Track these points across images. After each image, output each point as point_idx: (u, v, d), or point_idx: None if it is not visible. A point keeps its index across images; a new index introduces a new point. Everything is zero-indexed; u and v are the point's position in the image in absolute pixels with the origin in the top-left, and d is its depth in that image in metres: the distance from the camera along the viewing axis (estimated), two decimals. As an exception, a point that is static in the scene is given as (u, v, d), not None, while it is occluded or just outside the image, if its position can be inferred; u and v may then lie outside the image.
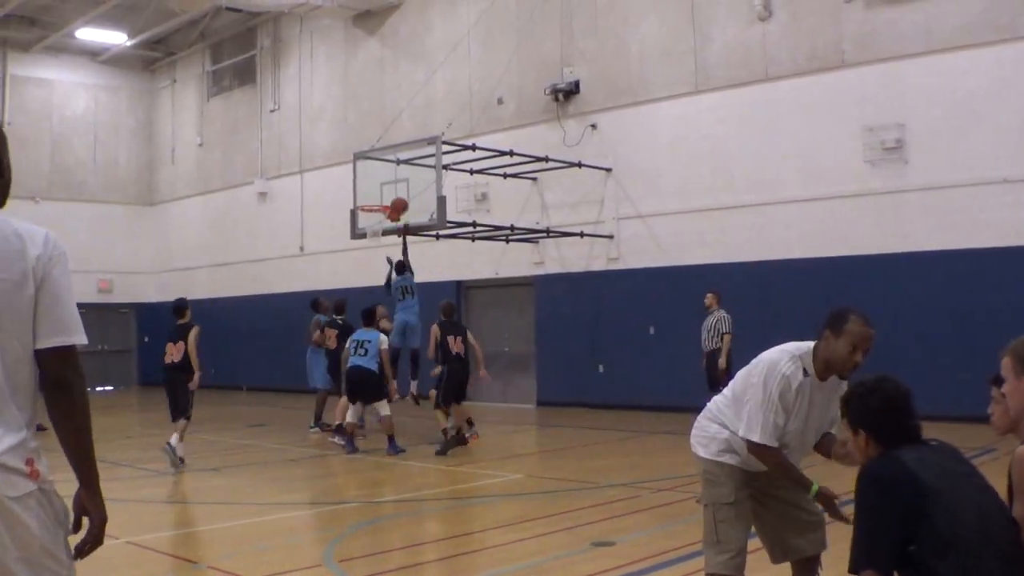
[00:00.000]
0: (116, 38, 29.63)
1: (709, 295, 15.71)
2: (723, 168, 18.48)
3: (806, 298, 16.11)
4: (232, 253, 28.42)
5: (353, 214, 19.10)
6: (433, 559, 8.24)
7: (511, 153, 19.32)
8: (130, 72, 32.59)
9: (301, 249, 27.10)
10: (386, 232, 18.86)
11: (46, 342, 2.98)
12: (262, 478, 12.67)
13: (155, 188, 32.62)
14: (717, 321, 15.40)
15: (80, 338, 3.03)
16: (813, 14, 17.38)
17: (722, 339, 15.24)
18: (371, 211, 18.86)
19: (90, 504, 3.08)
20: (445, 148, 17.92)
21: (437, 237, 19.99)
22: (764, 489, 5.10)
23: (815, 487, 4.82)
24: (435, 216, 17.66)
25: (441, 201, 17.51)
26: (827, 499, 4.81)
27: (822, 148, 17.23)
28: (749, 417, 4.83)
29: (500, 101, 22.02)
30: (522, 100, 21.72)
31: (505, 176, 20.49)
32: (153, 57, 32.19)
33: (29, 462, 2.92)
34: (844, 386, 4.74)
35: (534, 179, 21.06)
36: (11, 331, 2.96)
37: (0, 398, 2.91)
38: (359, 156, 19.35)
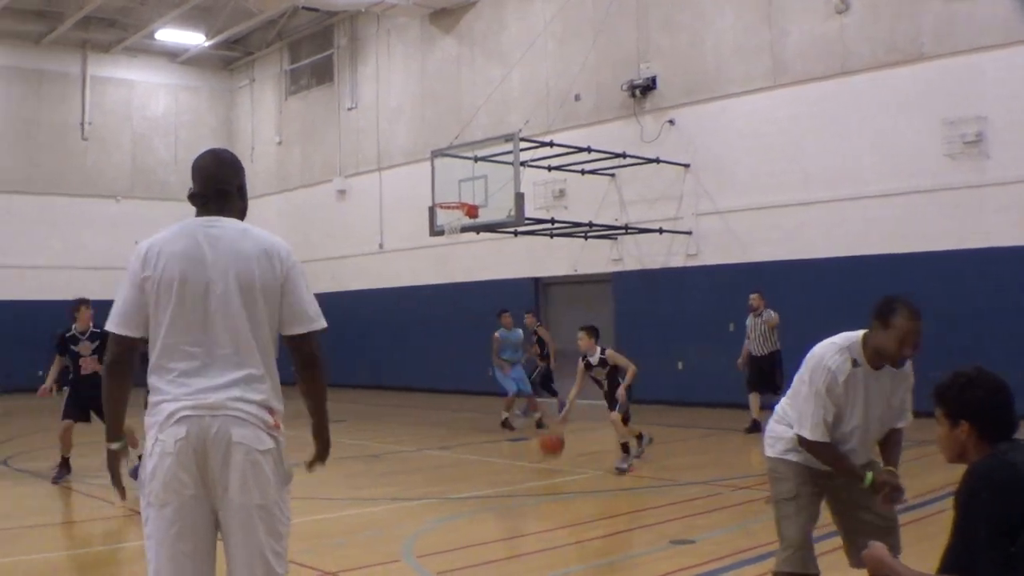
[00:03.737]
0: (195, 39, 31.35)
1: (755, 295, 16.22)
2: (801, 163, 19.18)
3: (884, 295, 16.66)
4: (311, 251, 29.65)
5: (431, 211, 20.10)
6: (512, 555, 8.53)
7: (588, 150, 20.27)
8: (209, 72, 34.36)
9: (380, 247, 28.34)
10: (465, 229, 19.87)
11: (296, 329, 4.12)
12: (341, 473, 12.91)
13: (236, 187, 34.04)
14: (764, 322, 16.03)
15: (320, 323, 4.15)
16: (891, 6, 18.01)
17: (774, 340, 15.97)
18: (449, 208, 19.83)
19: (320, 437, 4.42)
20: (522, 145, 18.84)
21: (515, 234, 21.15)
22: (834, 492, 5.29)
23: (869, 477, 5.01)
24: (513, 213, 18.59)
25: (519, 198, 18.46)
26: (883, 485, 5.00)
27: (901, 142, 17.81)
28: (800, 413, 5.07)
29: (577, 97, 22.95)
30: (599, 96, 22.66)
31: (583, 172, 21.32)
32: (232, 57, 33.92)
33: (274, 421, 4.04)
34: (908, 375, 5.04)
35: (612, 175, 21.95)
36: (267, 317, 4.07)
37: (255, 364, 4.04)
38: (437, 154, 20.37)
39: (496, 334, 18.49)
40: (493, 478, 12.25)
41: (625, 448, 12.44)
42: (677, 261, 21.17)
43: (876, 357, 4.93)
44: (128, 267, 4.10)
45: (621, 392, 12.51)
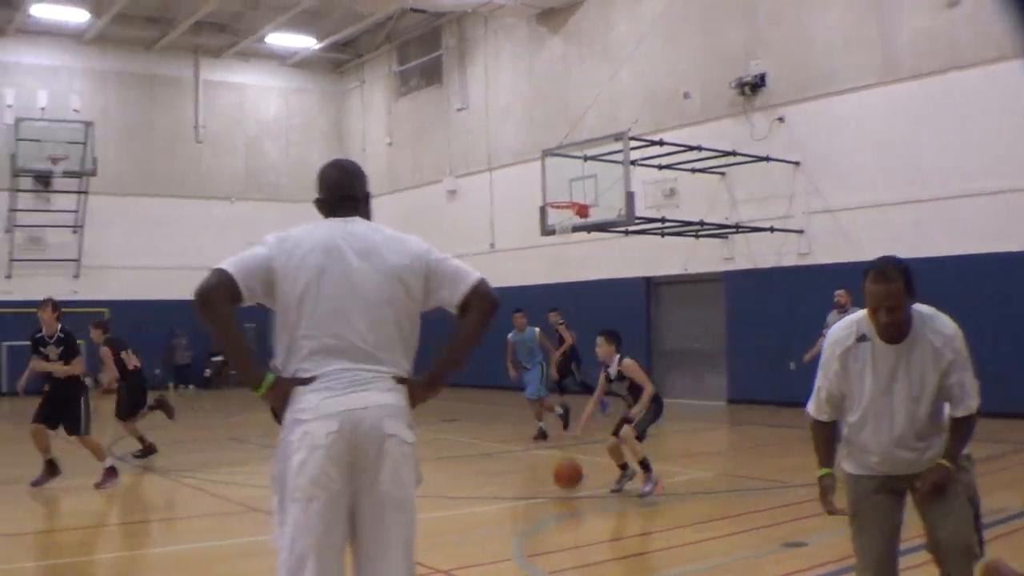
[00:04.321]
0: (305, 42, 32.89)
1: (841, 292, 15.67)
2: (913, 160, 19.38)
3: (1000, 294, 16.98)
4: None
5: (542, 211, 20.75)
6: (621, 556, 8.60)
7: (698, 148, 20.83)
8: (319, 75, 35.86)
9: (491, 246, 29.23)
10: (576, 229, 20.57)
11: (463, 288, 4.22)
12: (455, 472, 13.36)
13: (347, 187, 35.26)
14: None
15: (478, 273, 4.28)
16: (1001, 0, 18.15)
17: None
18: (560, 208, 20.50)
19: (444, 372, 4.35)
20: (632, 144, 19.45)
21: (626, 233, 21.81)
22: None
23: (821, 471, 4.94)
24: (623, 212, 19.23)
25: (629, 197, 19.10)
26: (822, 489, 4.95)
27: (1015, 139, 17.94)
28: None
29: (686, 95, 23.52)
30: (707, 94, 23.19)
31: (693, 171, 21.82)
32: (341, 59, 35.33)
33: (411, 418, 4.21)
34: (945, 350, 4.65)
35: (722, 174, 22.45)
36: (408, 310, 4.24)
37: (396, 357, 4.22)
38: (547, 153, 21.04)
39: (509, 337, 17.81)
40: (604, 478, 12.05)
41: (645, 466, 11.12)
42: (789, 260, 21.54)
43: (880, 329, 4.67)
44: (262, 241, 4.22)
45: (635, 412, 11.25)
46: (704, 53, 23.05)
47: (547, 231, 20.91)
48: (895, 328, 4.59)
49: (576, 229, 20.73)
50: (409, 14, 31.24)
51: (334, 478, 4.00)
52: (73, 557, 8.95)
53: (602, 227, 20.98)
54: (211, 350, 31.23)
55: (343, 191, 4.44)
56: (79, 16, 30.22)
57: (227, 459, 15.19)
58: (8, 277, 30.55)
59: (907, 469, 4.83)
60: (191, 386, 32.11)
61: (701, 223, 21.25)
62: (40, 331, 12.59)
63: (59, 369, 12.38)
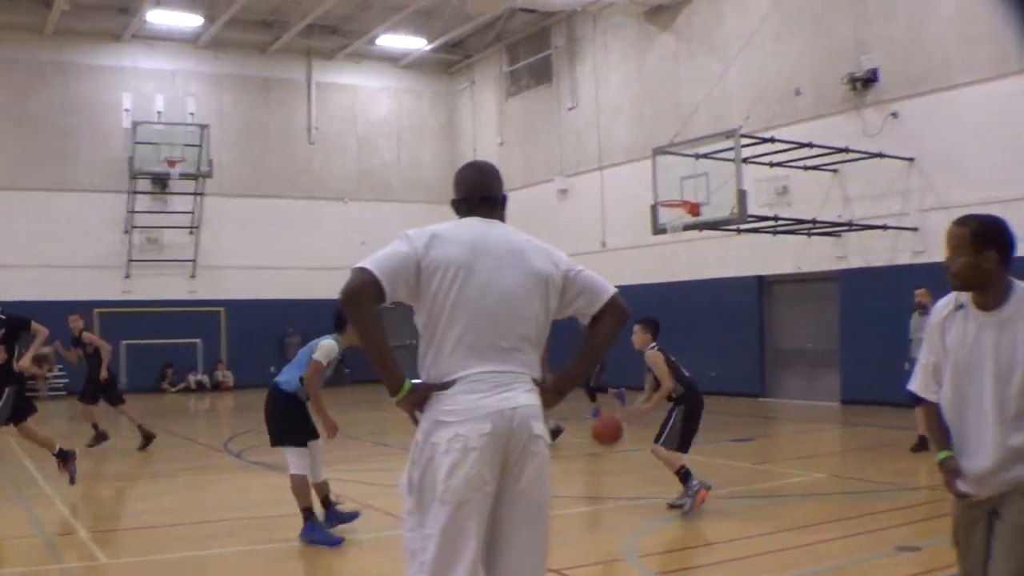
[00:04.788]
0: (415, 43, 33.95)
1: (921, 290, 15.29)
2: (1031, 155, 19.20)
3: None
4: None
5: (653, 210, 21.21)
6: (733, 558, 8.60)
7: (810, 145, 20.89)
8: (430, 75, 36.87)
9: (602, 245, 29.69)
10: (687, 227, 20.94)
11: (602, 299, 4.48)
12: (566, 471, 13.53)
13: (458, 188, 35.98)
14: None
15: (612, 287, 4.54)
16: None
17: None
18: (671, 207, 20.89)
19: (576, 376, 4.68)
20: (743, 141, 19.74)
21: (738, 232, 22.08)
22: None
23: (941, 455, 4.70)
24: (735, 210, 19.53)
25: (741, 195, 19.39)
26: (947, 473, 4.65)
27: None
28: None
29: (797, 92, 23.70)
30: (819, 90, 23.32)
31: (805, 168, 21.90)
32: (452, 60, 36.28)
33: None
34: None
35: (834, 171, 22.56)
36: (545, 313, 4.43)
37: (533, 358, 4.40)
38: (657, 152, 21.44)
39: None
40: (715, 478, 11.96)
41: (682, 477, 10.47)
42: (904, 258, 21.50)
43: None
44: (402, 237, 4.33)
45: (642, 407, 10.97)
46: (814, 48, 23.18)
47: (658, 230, 21.32)
48: (956, 278, 4.52)
49: (687, 228, 21.01)
50: (518, 14, 32.03)
51: (487, 480, 4.12)
52: (190, 551, 9.39)
53: (713, 226, 21.19)
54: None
55: (483, 192, 4.59)
56: (193, 21, 31.65)
57: (340, 456, 15.65)
58: (127, 277, 32.04)
59: (996, 489, 4.49)
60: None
61: (813, 221, 21.40)
62: None
63: None
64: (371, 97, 36.22)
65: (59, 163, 31.64)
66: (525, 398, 4.25)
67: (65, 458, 11.88)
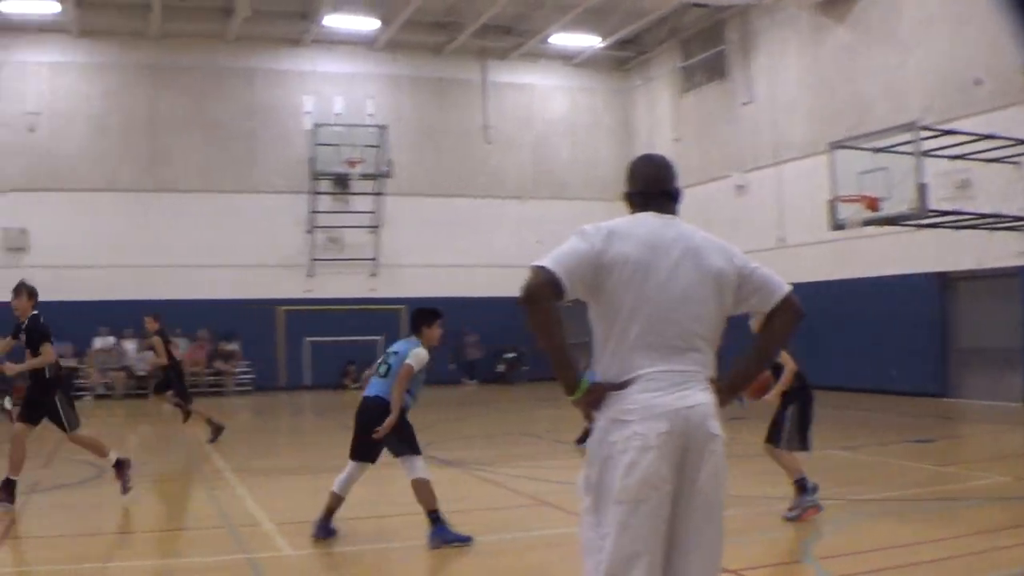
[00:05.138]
0: (589, 41, 34.65)
1: None
2: None
3: None
4: None
5: (831, 205, 21.23)
6: (913, 562, 8.45)
7: (992, 136, 20.73)
8: (604, 73, 37.52)
9: (780, 241, 29.77)
10: (866, 223, 21.00)
11: (777, 296, 4.50)
12: (744, 471, 13.22)
13: (634, 185, 36.16)
14: None
15: (787, 285, 4.55)
16: None
17: None
18: (849, 201, 20.94)
19: (750, 376, 4.73)
20: (923, 134, 19.67)
21: (918, 227, 21.84)
22: None
23: None
24: (915, 205, 19.47)
25: (921, 189, 19.34)
26: None
27: None
28: None
29: (977, 82, 23.34)
30: (1000, 79, 22.85)
31: (987, 161, 21.61)
32: (625, 57, 36.85)
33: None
34: None
35: (1017, 163, 22.10)
36: (721, 311, 4.47)
37: (709, 356, 4.44)
38: (835, 146, 21.50)
39: None
40: (896, 480, 12.26)
41: (799, 486, 10.32)
42: (1092, 253, 20.99)
43: None
44: (580, 233, 4.37)
45: (767, 399, 10.33)
46: (996, 36, 22.38)
47: (836, 225, 21.31)
48: None
49: (866, 223, 21.00)
50: (691, 9, 32.39)
51: (666, 479, 4.14)
52: (372, 544, 9.93)
53: (893, 221, 21.05)
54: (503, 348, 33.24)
55: (660, 186, 4.64)
56: (370, 24, 32.94)
57: (518, 453, 16.39)
58: (309, 276, 33.58)
59: None
60: (474, 381, 34.21)
61: (996, 215, 21.18)
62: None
63: (21, 366, 11.94)
64: (546, 96, 37.05)
65: (244, 166, 33.48)
66: (701, 397, 4.28)
67: (119, 466, 11.84)
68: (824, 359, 26.82)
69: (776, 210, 30.07)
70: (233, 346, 32.17)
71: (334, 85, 34.57)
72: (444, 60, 35.56)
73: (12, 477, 11.23)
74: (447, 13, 33.39)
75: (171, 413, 19.19)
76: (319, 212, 33.54)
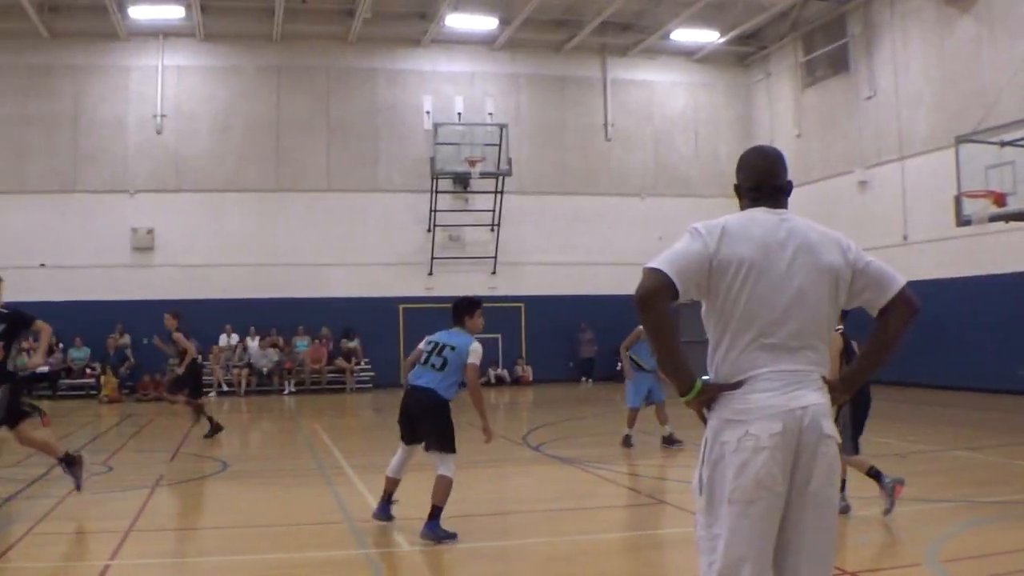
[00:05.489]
0: (709, 36, 34.48)
1: None
2: None
3: None
4: None
5: (957, 200, 21.05)
6: None
7: None
8: (724, 68, 37.31)
9: (904, 238, 29.35)
10: (993, 219, 20.64)
11: (893, 288, 4.42)
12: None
13: (756, 182, 35.77)
14: None
15: (901, 279, 4.47)
16: None
17: None
18: (976, 197, 20.69)
19: (863, 377, 4.69)
20: None
21: None
22: None
23: None
24: None
25: None
26: None
27: None
28: None
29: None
30: None
31: None
32: (745, 52, 36.64)
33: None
34: None
35: None
36: (835, 309, 4.45)
37: (823, 355, 4.38)
38: (961, 140, 21.32)
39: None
40: (1022, 482, 12.06)
41: (873, 477, 10.31)
42: None
43: None
44: (693, 232, 4.34)
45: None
46: None
47: (962, 221, 21.12)
48: None
49: (993, 219, 20.73)
50: (813, 3, 32.13)
51: (778, 479, 4.12)
52: (491, 541, 9.93)
53: (1021, 216, 20.78)
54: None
55: (773, 180, 4.60)
56: (489, 24, 33.27)
57: (636, 452, 16.26)
58: (430, 274, 33.93)
59: None
60: (590, 380, 34.18)
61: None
62: None
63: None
64: (666, 92, 36.92)
65: (366, 165, 34.05)
66: (815, 397, 4.24)
67: (71, 463, 11.44)
68: (949, 358, 26.59)
69: (900, 206, 29.62)
70: (354, 344, 32.62)
71: (454, 84, 34.95)
72: (563, 58, 35.72)
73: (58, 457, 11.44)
74: (566, 11, 33.56)
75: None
76: (439, 211, 33.83)
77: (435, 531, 9.49)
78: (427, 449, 9.89)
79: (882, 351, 4.54)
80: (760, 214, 4.46)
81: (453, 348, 9.87)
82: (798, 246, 4.33)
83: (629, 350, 16.60)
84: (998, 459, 14.44)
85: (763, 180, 4.59)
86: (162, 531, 10.43)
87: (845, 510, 9.98)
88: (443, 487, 9.60)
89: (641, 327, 15.33)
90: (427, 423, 9.84)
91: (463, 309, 10.18)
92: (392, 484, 10.24)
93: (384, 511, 10.19)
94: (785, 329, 4.25)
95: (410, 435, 10.07)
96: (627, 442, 16.57)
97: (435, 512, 9.56)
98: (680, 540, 9.37)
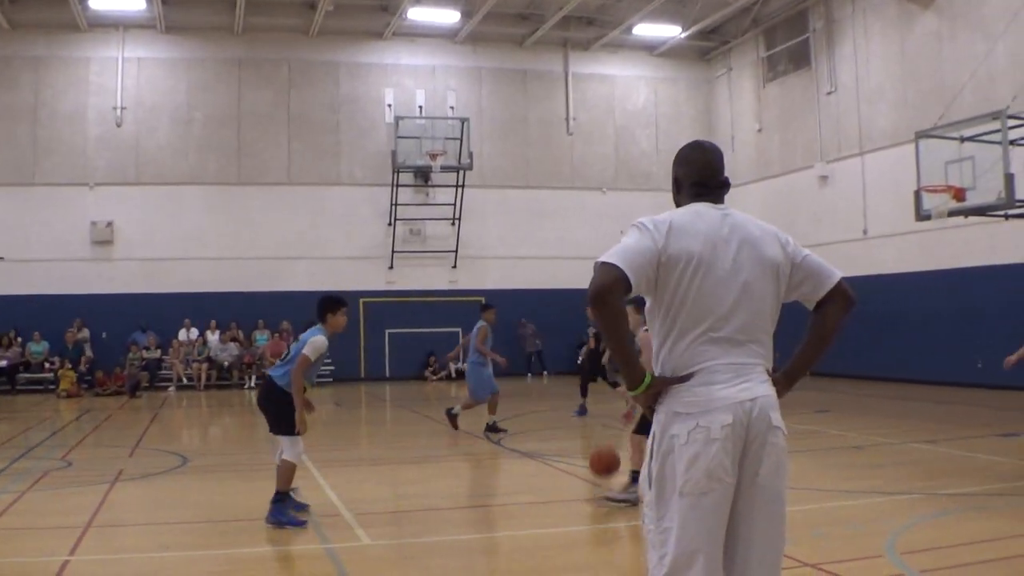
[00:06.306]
0: (671, 31, 34.51)
1: None
2: None
3: None
4: (793, 238, 30.74)
5: (917, 195, 21.00)
6: (999, 556, 8.31)
7: None
8: (686, 63, 37.36)
9: (864, 233, 29.43)
10: (952, 213, 20.73)
11: (828, 284, 4.52)
12: (824, 464, 13.69)
13: (717, 175, 35.74)
14: None
15: (838, 272, 4.57)
16: None
17: None
18: (935, 192, 20.69)
19: (803, 372, 4.64)
20: (1011, 123, 19.40)
21: (1006, 217, 21.41)
22: None
23: None
24: (1003, 195, 19.18)
25: (1009, 179, 19.03)
26: None
27: None
28: None
29: (1067, 69, 22.96)
30: None
31: None
32: (707, 47, 36.71)
33: None
34: None
35: None
36: (777, 301, 4.49)
37: (767, 348, 4.43)
38: (921, 135, 21.30)
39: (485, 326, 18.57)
40: (983, 474, 12.03)
41: (634, 478, 10.49)
42: None
43: None
44: (641, 227, 4.33)
45: (624, 392, 10.56)
46: None
47: (922, 216, 21.08)
48: None
49: (952, 214, 20.71)
50: (774, -2, 32.26)
51: (728, 471, 4.15)
52: (452, 535, 10.04)
53: (980, 211, 20.80)
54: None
55: (717, 176, 4.61)
56: (451, 17, 33.18)
57: (593, 445, 16.43)
58: (391, 268, 33.88)
59: None
60: (545, 372, 34.19)
61: (1086, 205, 20.87)
62: None
63: None
64: (628, 86, 36.96)
65: (327, 159, 33.96)
66: (763, 388, 4.29)
67: None
68: (909, 351, 26.76)
69: (860, 201, 29.76)
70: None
71: (416, 78, 34.91)
72: (525, 52, 35.73)
73: None
74: (528, 5, 33.70)
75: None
76: (401, 204, 33.78)
77: (279, 517, 9.85)
78: (271, 431, 10.36)
79: (820, 344, 4.57)
80: (704, 208, 4.47)
81: (299, 340, 10.28)
82: (741, 240, 4.37)
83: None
84: (957, 452, 14.56)
85: (707, 176, 4.61)
86: (122, 526, 10.36)
87: (637, 502, 10.18)
88: (286, 471, 10.00)
89: (484, 325, 14.62)
90: (266, 412, 10.29)
91: (324, 307, 10.48)
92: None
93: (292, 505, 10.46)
94: (732, 323, 4.29)
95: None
96: (494, 428, 17.68)
97: (278, 497, 9.95)
98: (638, 534, 9.40)
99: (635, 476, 10.36)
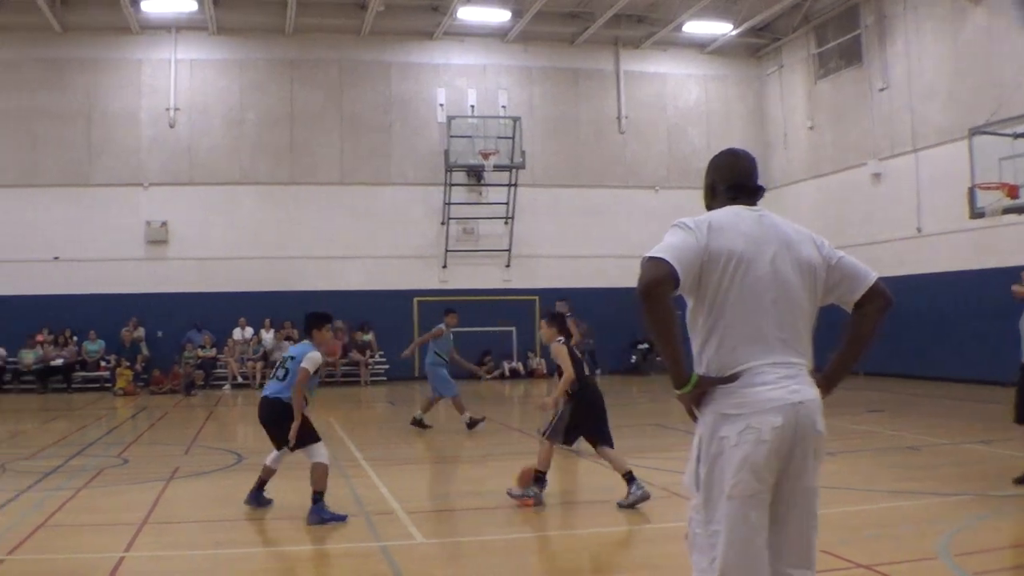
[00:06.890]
0: (722, 28, 34.46)
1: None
2: None
3: None
4: (846, 237, 29.60)
5: (970, 193, 21.05)
6: None
7: None
8: (737, 60, 37.24)
9: (918, 231, 29.15)
10: (1006, 211, 20.57)
11: (865, 284, 4.56)
12: (878, 465, 13.68)
13: (769, 173, 35.15)
14: None
15: (874, 273, 4.62)
16: None
17: None
18: (989, 189, 20.68)
19: (846, 372, 4.66)
20: None
21: None
22: None
23: None
24: None
25: None
26: None
27: None
28: None
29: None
30: None
31: None
32: (758, 44, 36.55)
33: None
34: None
35: None
36: (815, 303, 4.54)
37: (807, 348, 4.45)
38: (974, 132, 21.36)
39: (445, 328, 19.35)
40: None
41: (537, 478, 11.11)
42: None
43: None
44: (683, 227, 4.38)
45: (546, 402, 11.50)
46: None
47: (976, 214, 21.11)
48: None
49: (1007, 211, 20.66)
50: (825, -6, 32.06)
51: (774, 472, 4.19)
52: (502, 535, 9.89)
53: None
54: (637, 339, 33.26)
55: (752, 180, 4.70)
56: (502, 16, 33.33)
57: (651, 445, 16.34)
58: (444, 267, 34.04)
59: None
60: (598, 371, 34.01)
61: None
62: None
63: None
64: (679, 84, 36.89)
65: (379, 158, 34.15)
66: (811, 392, 4.32)
67: None
68: (962, 350, 26.50)
69: (913, 198, 29.44)
70: (368, 337, 32.68)
71: (467, 77, 35.07)
72: (576, 50, 35.75)
73: None
74: (579, 3, 33.71)
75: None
76: (453, 204, 33.96)
77: (321, 514, 10.14)
78: (292, 450, 10.52)
79: (859, 345, 4.61)
80: (741, 210, 4.54)
81: (293, 358, 10.65)
82: (779, 241, 4.43)
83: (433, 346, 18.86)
84: (1012, 452, 14.32)
85: (743, 179, 4.69)
86: (177, 523, 10.51)
87: (539, 502, 10.88)
88: (319, 472, 10.30)
89: (442, 327, 16.37)
90: (276, 428, 10.54)
91: (311, 322, 10.99)
92: (268, 473, 11.00)
93: (255, 498, 11.01)
94: (774, 321, 4.32)
95: (273, 441, 10.73)
96: (474, 424, 18.30)
97: (316, 498, 10.24)
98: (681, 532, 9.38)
99: (538, 476, 11.00)
